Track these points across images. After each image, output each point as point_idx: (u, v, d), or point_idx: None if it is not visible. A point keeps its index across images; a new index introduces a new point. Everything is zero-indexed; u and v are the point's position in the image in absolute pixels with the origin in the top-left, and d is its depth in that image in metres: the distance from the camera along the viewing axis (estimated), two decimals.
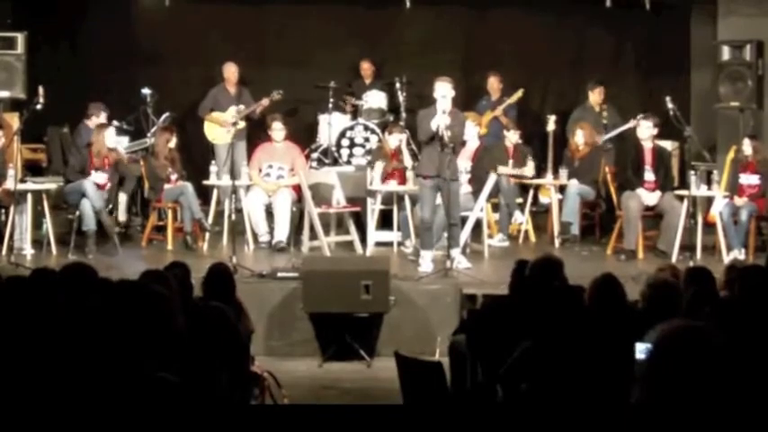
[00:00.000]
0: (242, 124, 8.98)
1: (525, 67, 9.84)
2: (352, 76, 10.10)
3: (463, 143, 7.72)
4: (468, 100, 9.36)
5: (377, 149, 8.65)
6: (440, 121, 6.87)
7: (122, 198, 8.29)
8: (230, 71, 9.31)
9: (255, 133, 9.15)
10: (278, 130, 8.42)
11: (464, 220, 7.49)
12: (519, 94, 9.36)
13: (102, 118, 8.42)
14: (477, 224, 7.74)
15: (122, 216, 8.24)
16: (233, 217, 7.46)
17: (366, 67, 10.00)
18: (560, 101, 9.79)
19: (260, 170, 8.41)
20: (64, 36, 9.66)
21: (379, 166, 8.14)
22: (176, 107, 9.35)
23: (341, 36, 10.05)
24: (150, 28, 9.87)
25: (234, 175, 7.70)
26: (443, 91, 6.96)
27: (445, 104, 6.93)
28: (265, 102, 9.01)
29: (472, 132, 8.08)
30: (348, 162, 9.32)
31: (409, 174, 8.02)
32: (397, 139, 8.25)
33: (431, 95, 7.08)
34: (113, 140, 8.00)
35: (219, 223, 8.29)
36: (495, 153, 8.63)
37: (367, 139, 9.36)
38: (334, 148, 9.36)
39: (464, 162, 7.96)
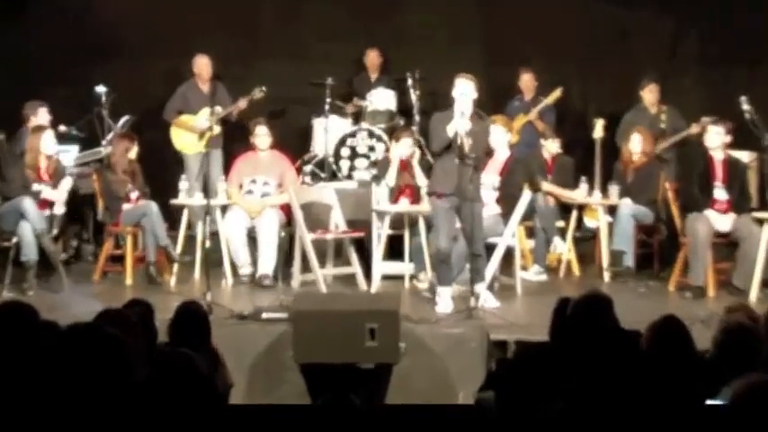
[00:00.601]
0: (217, 129, 8.96)
1: (564, 60, 9.89)
2: (354, 70, 10.23)
3: (490, 153, 7.74)
4: (497, 101, 9.45)
5: (384, 161, 8.65)
6: (458, 125, 6.85)
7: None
8: (202, 65, 9.32)
9: (235, 140, 9.20)
10: (262, 136, 8.43)
11: (491, 248, 7.50)
12: (557, 93, 9.41)
13: (42, 118, 8.40)
14: (508, 253, 7.76)
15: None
16: (207, 244, 7.45)
17: (372, 57, 10.08)
18: (608, 101, 9.82)
19: (240, 186, 8.44)
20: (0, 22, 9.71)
21: (387, 181, 8.18)
22: (138, 109, 9.36)
23: (341, 22, 10.14)
24: (107, 13, 9.87)
25: (208, 192, 7.77)
26: (463, 88, 6.97)
27: (465, 105, 6.93)
28: (242, 103, 9.03)
29: (502, 140, 8.06)
30: (349, 176, 9.36)
31: (423, 191, 8.03)
32: (407, 147, 8.29)
33: (450, 95, 7.10)
34: (51, 146, 7.95)
35: (190, 252, 8.34)
36: (531, 165, 8.62)
37: (372, 148, 9.41)
38: (331, 159, 9.38)
39: (491, 177, 7.96)
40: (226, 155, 9.22)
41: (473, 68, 7.51)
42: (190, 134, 9.20)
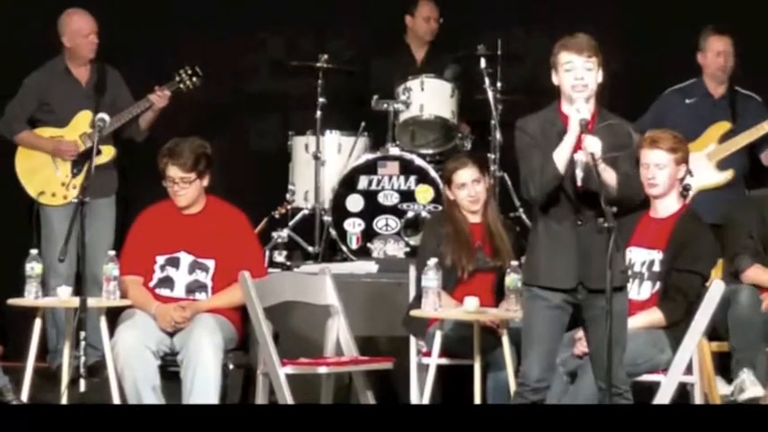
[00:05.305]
0: (109, 153, 9.17)
1: None
2: (376, 42, 10.64)
3: (645, 203, 7.67)
4: (649, 88, 9.68)
5: (432, 221, 8.77)
6: (585, 146, 6.64)
7: None
8: (78, 27, 9.45)
9: (145, 180, 9.09)
10: (181, 176, 8.23)
11: (644, 391, 7.53)
12: None
13: None
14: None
15: None
16: (82, 387, 7.40)
17: (427, 16, 10.32)
18: None
19: (148, 272, 8.34)
20: None
21: (437, 260, 7.98)
22: None
23: None
24: None
25: (83, 283, 7.55)
26: (576, 67, 6.73)
27: (583, 102, 6.69)
28: (158, 98, 9.31)
29: (663, 177, 7.78)
30: (363, 251, 9.59)
31: (510, 280, 7.84)
32: (473, 192, 8.27)
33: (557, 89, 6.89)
34: None
35: (49, 402, 8.33)
36: (735, 233, 8.53)
37: (408, 195, 9.60)
38: (328, 218, 9.52)
39: (646, 252, 7.91)
40: (126, 209, 9.21)
41: (605, 33, 7.60)
42: (53, 164, 9.29)
